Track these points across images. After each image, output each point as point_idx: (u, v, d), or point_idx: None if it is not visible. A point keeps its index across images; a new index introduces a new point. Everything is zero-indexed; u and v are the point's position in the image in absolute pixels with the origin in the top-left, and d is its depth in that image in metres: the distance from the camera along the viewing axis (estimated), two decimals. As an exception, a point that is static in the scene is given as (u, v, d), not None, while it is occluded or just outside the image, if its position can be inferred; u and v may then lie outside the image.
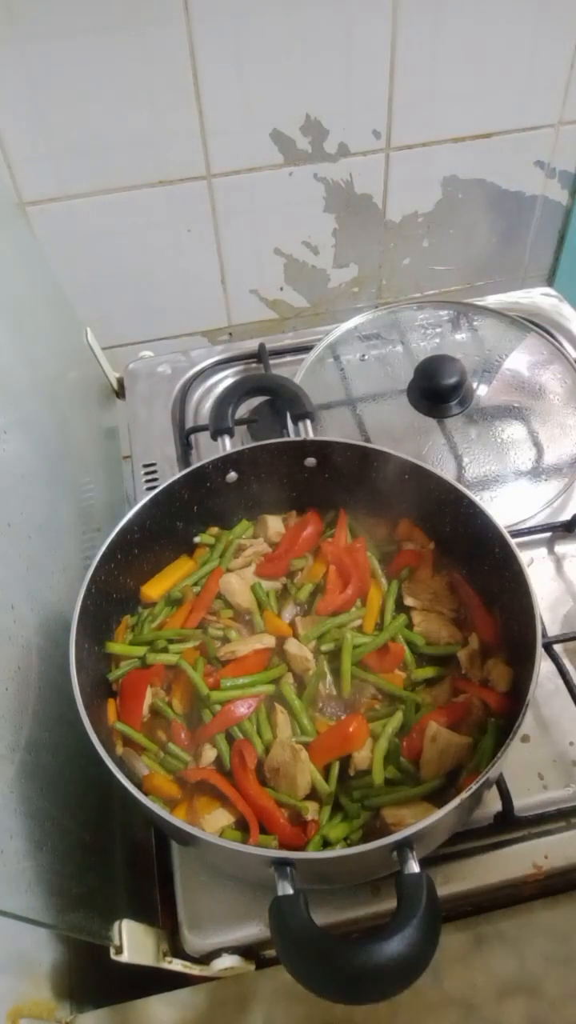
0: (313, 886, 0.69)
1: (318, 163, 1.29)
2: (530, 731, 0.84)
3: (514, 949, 0.74)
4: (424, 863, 0.61)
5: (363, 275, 1.48)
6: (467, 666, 0.80)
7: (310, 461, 0.89)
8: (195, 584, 0.87)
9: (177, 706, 0.79)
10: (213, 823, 0.71)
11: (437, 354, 1.06)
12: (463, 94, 1.26)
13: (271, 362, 1.23)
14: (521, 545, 0.79)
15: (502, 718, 0.74)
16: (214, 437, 0.93)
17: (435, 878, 0.73)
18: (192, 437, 1.14)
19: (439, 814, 0.61)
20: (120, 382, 1.29)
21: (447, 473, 0.83)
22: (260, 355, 1.25)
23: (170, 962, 0.73)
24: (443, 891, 0.75)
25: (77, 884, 0.73)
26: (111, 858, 0.87)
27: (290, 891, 0.59)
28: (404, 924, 0.56)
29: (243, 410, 1.07)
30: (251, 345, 1.27)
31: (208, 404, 1.20)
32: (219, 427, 0.93)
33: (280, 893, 0.59)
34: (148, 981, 0.74)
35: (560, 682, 0.84)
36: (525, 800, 0.79)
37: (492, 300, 1.30)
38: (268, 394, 1.06)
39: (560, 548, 0.99)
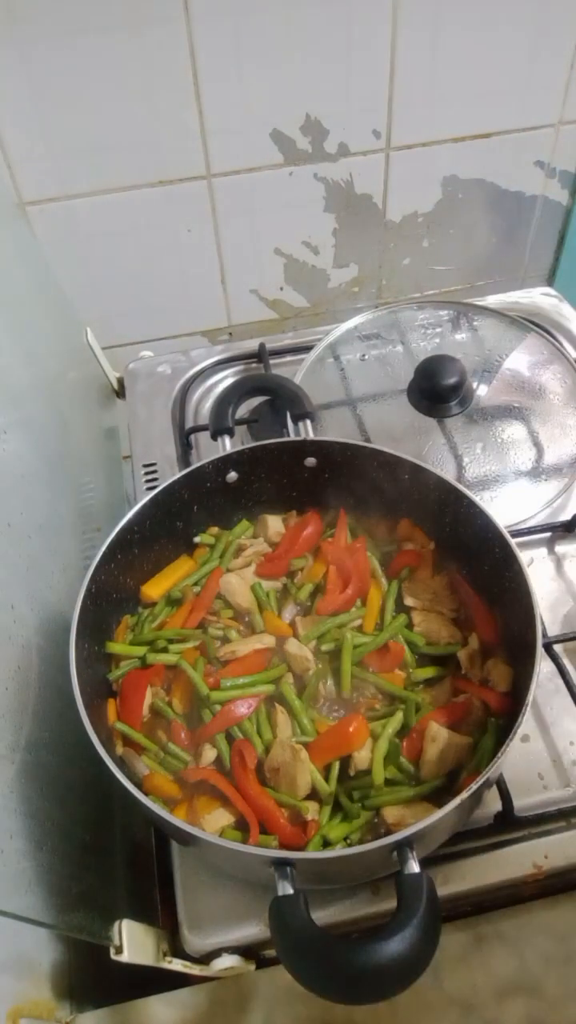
0: (313, 886, 0.69)
1: (318, 163, 1.29)
2: (530, 731, 0.84)
3: (514, 949, 0.74)
4: (424, 863, 0.61)
5: (363, 275, 1.48)
6: (467, 666, 0.80)
7: (310, 461, 0.89)
8: (195, 584, 0.87)
9: (177, 706, 0.79)
10: (213, 823, 0.71)
11: (437, 354, 1.06)
12: (463, 94, 1.26)
13: (271, 362, 1.23)
14: (521, 545, 0.79)
15: (502, 718, 0.74)
16: (214, 437, 0.93)
17: (435, 878, 0.73)
18: (192, 437, 1.14)
19: (439, 814, 0.61)
20: (120, 382, 1.29)
21: (447, 473, 0.83)
22: (260, 355, 1.25)
23: (170, 962, 0.73)
24: (443, 891, 0.75)
25: (77, 884, 0.73)
26: (111, 858, 0.87)
27: (290, 891, 0.59)
28: (404, 924, 0.56)
29: (243, 410, 1.07)
30: (251, 345, 1.27)
31: (208, 404, 1.20)
32: (219, 427, 0.93)
33: (280, 893, 0.59)
34: (148, 981, 0.74)
35: (560, 682, 0.84)
36: (525, 800, 0.79)
37: (492, 300, 1.30)
38: (268, 394, 1.06)
39: (560, 548, 0.99)
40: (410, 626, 0.83)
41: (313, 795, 0.73)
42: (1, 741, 0.65)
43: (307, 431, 0.92)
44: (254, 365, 1.26)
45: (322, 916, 0.73)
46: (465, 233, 1.46)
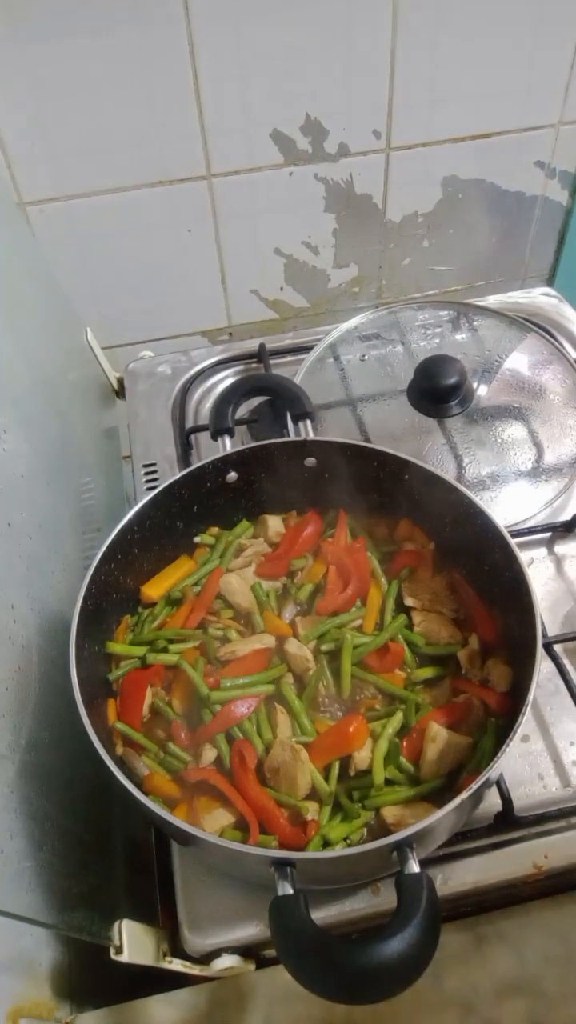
0: (313, 886, 0.69)
1: (318, 163, 1.29)
2: (530, 731, 0.84)
3: (514, 949, 0.74)
4: (424, 863, 0.61)
5: (363, 275, 1.48)
6: (467, 666, 0.80)
7: (310, 461, 0.89)
8: (195, 584, 0.87)
9: (177, 706, 0.79)
10: (213, 823, 0.71)
11: (437, 354, 1.06)
12: (463, 94, 1.26)
13: (271, 362, 1.23)
14: (521, 545, 0.79)
15: (502, 718, 0.74)
16: (214, 437, 0.93)
17: (435, 878, 0.74)
18: (192, 437, 1.14)
19: (439, 814, 0.61)
20: (120, 382, 1.29)
21: (447, 473, 0.83)
22: (260, 355, 1.25)
23: (170, 962, 0.73)
24: (443, 891, 0.75)
25: (77, 884, 0.73)
26: (111, 858, 0.87)
27: (290, 891, 0.59)
28: (404, 924, 0.56)
29: (243, 410, 1.07)
30: (251, 345, 1.27)
31: (208, 404, 1.20)
32: (219, 427, 0.93)
33: (280, 893, 0.59)
34: (148, 981, 0.74)
35: (560, 682, 0.84)
36: (525, 800, 0.79)
37: (492, 300, 1.30)
38: (268, 394, 1.06)
39: (560, 548, 0.99)
40: (410, 626, 0.83)
41: (313, 795, 0.73)
42: (1, 741, 0.65)
43: (307, 431, 0.92)
44: (254, 365, 1.26)
45: (322, 916, 0.73)
46: (465, 233, 1.46)
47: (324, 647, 0.82)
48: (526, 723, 0.67)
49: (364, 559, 0.87)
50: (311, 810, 0.71)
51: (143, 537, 0.83)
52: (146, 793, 0.67)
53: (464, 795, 0.61)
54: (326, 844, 0.69)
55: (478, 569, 0.83)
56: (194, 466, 0.86)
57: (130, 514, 0.81)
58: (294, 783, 0.72)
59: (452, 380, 1.03)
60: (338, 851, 0.68)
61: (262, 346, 1.25)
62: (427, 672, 0.81)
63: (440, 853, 0.76)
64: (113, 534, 0.79)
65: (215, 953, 0.73)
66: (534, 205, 1.45)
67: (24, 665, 0.72)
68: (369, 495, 0.89)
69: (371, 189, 1.35)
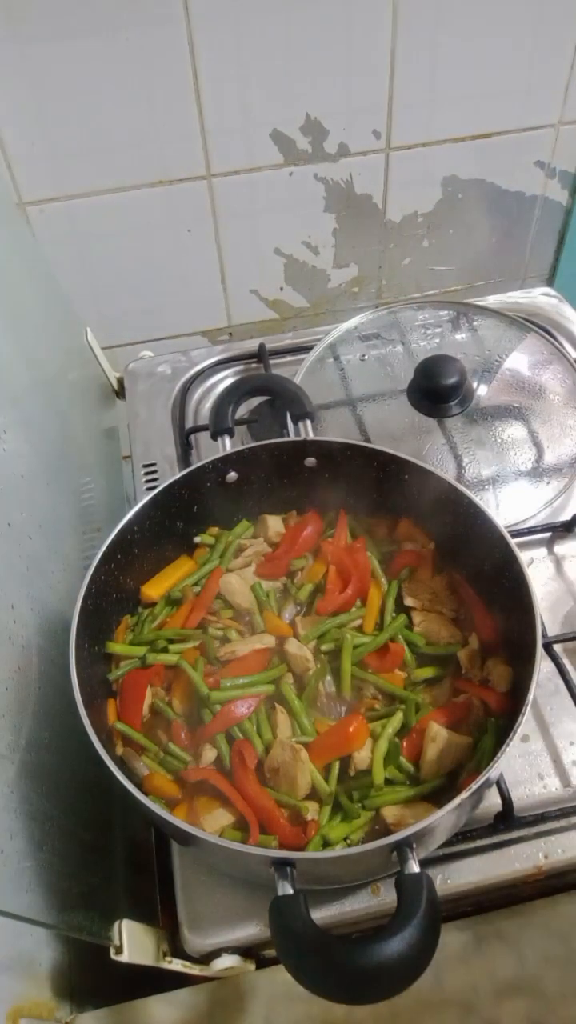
0: (313, 886, 0.69)
1: (318, 163, 1.29)
2: (530, 731, 0.84)
3: (514, 949, 0.74)
4: (424, 863, 0.61)
5: (363, 275, 1.48)
6: (467, 666, 0.80)
7: (310, 461, 0.89)
8: (195, 584, 0.87)
9: (177, 706, 0.79)
10: (213, 823, 0.71)
11: (437, 354, 1.06)
12: (463, 94, 1.26)
13: (271, 362, 1.23)
14: (521, 545, 0.79)
15: (502, 718, 0.74)
16: (214, 437, 0.93)
17: (435, 878, 0.74)
18: (192, 437, 1.14)
19: (439, 814, 0.61)
20: (120, 382, 1.29)
21: (447, 473, 0.83)
22: (260, 355, 1.25)
23: (170, 962, 0.73)
24: (443, 891, 0.75)
25: (77, 884, 0.73)
26: (111, 858, 0.87)
27: (290, 891, 0.59)
28: (404, 924, 0.56)
29: (243, 410, 1.07)
30: (251, 345, 1.27)
31: (208, 404, 1.20)
32: (219, 427, 0.93)
33: (280, 893, 0.59)
34: (148, 981, 0.74)
35: (560, 682, 0.84)
36: (525, 800, 0.79)
37: (492, 300, 1.30)
38: (268, 394, 1.06)
39: (560, 548, 0.99)
40: (410, 626, 0.83)
41: (313, 795, 0.73)
42: (1, 741, 0.65)
43: (307, 431, 0.92)
44: (254, 365, 1.26)
45: (322, 916, 0.73)
46: (465, 233, 1.46)
47: (324, 647, 0.82)
48: (526, 723, 0.67)
49: (364, 559, 0.87)
50: (311, 810, 0.71)
51: (143, 537, 0.83)
52: (146, 793, 0.67)
53: (464, 795, 0.61)
54: (326, 844, 0.69)
55: (478, 569, 0.83)
56: (194, 466, 0.86)
57: (130, 514, 0.81)
58: (294, 783, 0.72)
59: (452, 380, 1.03)
60: (338, 851, 0.68)
61: (262, 346, 1.25)
62: (427, 672, 0.81)
63: (440, 853, 0.76)
64: (113, 534, 0.79)
65: (215, 953, 0.73)
66: (534, 205, 1.45)
67: (24, 665, 0.72)
68: (369, 495, 0.89)
69: (371, 189, 1.35)
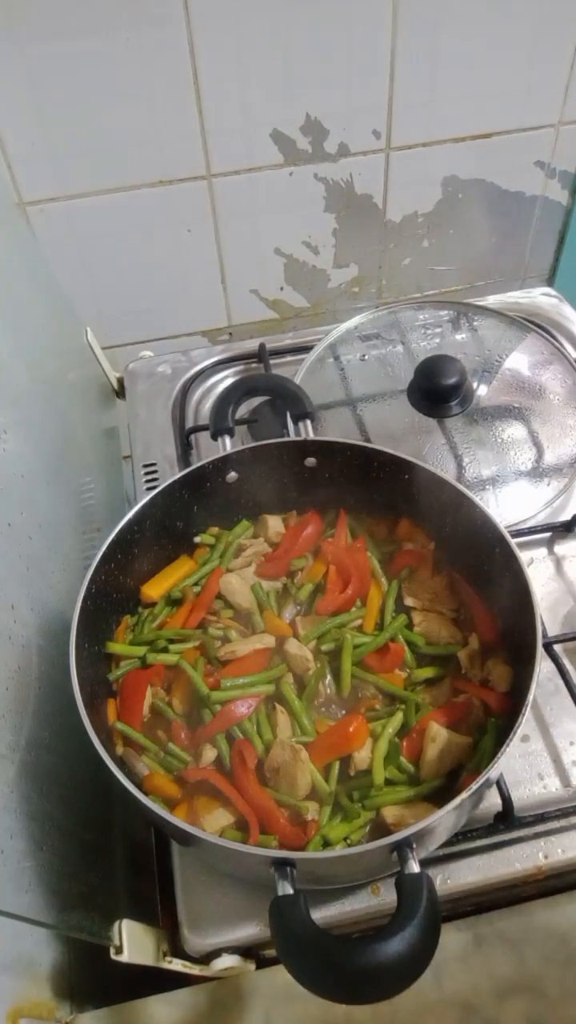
0: (313, 886, 0.69)
1: (318, 163, 1.29)
2: (530, 731, 0.84)
3: (514, 949, 0.74)
4: (424, 863, 0.61)
5: (363, 275, 1.48)
6: (467, 666, 0.80)
7: (310, 461, 0.89)
8: (195, 584, 0.87)
9: (177, 706, 0.79)
10: (213, 823, 0.71)
11: (437, 354, 1.06)
12: (463, 94, 1.26)
13: (271, 362, 1.23)
14: (521, 545, 0.79)
15: (502, 718, 0.74)
16: (214, 437, 0.93)
17: (435, 878, 0.74)
18: (192, 437, 1.14)
19: (439, 814, 0.61)
20: (120, 382, 1.29)
21: (447, 473, 0.83)
22: (260, 355, 1.25)
23: (170, 962, 0.73)
24: (443, 891, 0.75)
25: (77, 884, 0.73)
26: (111, 858, 0.87)
27: (290, 891, 0.59)
28: (404, 924, 0.56)
29: (243, 410, 1.07)
30: (251, 345, 1.27)
31: (208, 404, 1.20)
32: (219, 427, 0.93)
33: (280, 893, 0.59)
34: (148, 981, 0.74)
35: (560, 682, 0.84)
36: (525, 800, 0.79)
37: (492, 300, 1.30)
38: (268, 394, 1.06)
39: (560, 548, 0.99)
40: (410, 626, 0.83)
41: (313, 795, 0.73)
42: (1, 741, 0.65)
43: (307, 431, 0.92)
44: (254, 365, 1.26)
45: (322, 916, 0.73)
46: (465, 233, 1.46)
47: (324, 647, 0.82)
48: (526, 723, 0.67)
49: (364, 559, 0.87)
50: (311, 810, 0.71)
51: (143, 537, 0.83)
52: (146, 793, 0.67)
53: (464, 795, 0.61)
54: (326, 844, 0.69)
55: (478, 569, 0.83)
56: (194, 466, 0.86)
57: (130, 514, 0.81)
58: (294, 783, 0.72)
59: (452, 380, 1.03)
60: (338, 851, 0.68)
61: (262, 346, 1.25)
62: (427, 672, 0.81)
63: (440, 853, 0.76)
64: (113, 534, 0.79)
65: (215, 953, 0.73)
66: (534, 205, 1.45)
67: (24, 665, 0.72)
68: (369, 495, 0.89)
69: (371, 189, 1.35)
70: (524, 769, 0.82)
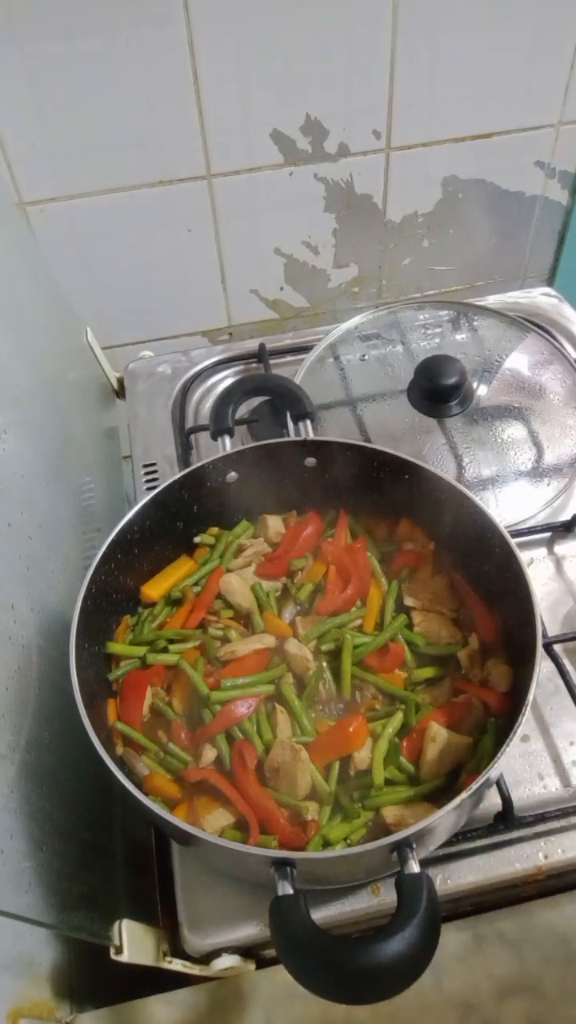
0: (313, 886, 0.69)
1: (318, 163, 1.29)
2: (530, 731, 0.84)
3: (514, 949, 0.74)
4: (424, 863, 0.61)
5: (363, 275, 1.48)
6: (467, 666, 0.80)
7: (310, 461, 0.89)
8: (195, 584, 0.87)
9: (177, 706, 0.79)
10: (213, 823, 0.71)
11: (437, 354, 1.06)
12: (463, 94, 1.26)
13: (271, 362, 1.23)
14: (521, 545, 0.79)
15: (502, 718, 0.74)
16: (214, 437, 0.93)
17: (435, 878, 0.74)
18: (192, 437, 1.14)
19: (439, 814, 0.61)
20: (120, 382, 1.29)
21: (447, 473, 0.83)
22: (260, 355, 1.25)
23: (170, 962, 0.73)
24: (443, 891, 0.75)
25: (77, 884, 0.73)
26: (111, 858, 0.87)
27: (290, 891, 0.59)
28: (404, 924, 0.56)
29: (243, 410, 1.07)
30: (251, 345, 1.27)
31: (208, 404, 1.20)
32: (219, 427, 0.93)
33: (280, 893, 0.59)
34: (148, 981, 0.74)
35: (560, 682, 0.84)
36: (525, 800, 0.79)
37: (492, 300, 1.30)
38: (268, 394, 1.06)
39: (560, 548, 0.99)
40: (410, 626, 0.83)
41: (313, 795, 0.73)
42: (1, 741, 0.65)
43: (307, 431, 0.92)
44: (254, 365, 1.26)
45: (322, 916, 0.73)
46: (465, 233, 1.46)
47: (324, 647, 0.82)
48: (526, 723, 0.67)
49: (364, 559, 0.87)
50: (311, 810, 0.71)
51: (143, 537, 0.83)
52: (146, 793, 0.67)
53: (464, 795, 0.61)
54: (326, 844, 0.69)
55: (478, 569, 0.83)
56: (194, 466, 0.86)
57: (130, 514, 0.81)
58: (294, 783, 0.72)
59: (452, 380, 1.03)
60: (338, 851, 0.68)
61: (262, 346, 1.25)
62: (427, 672, 0.81)
63: (440, 853, 0.76)
64: (113, 534, 0.79)
65: (215, 953, 0.73)
66: (534, 205, 1.45)
67: (24, 665, 0.72)
68: (369, 495, 0.89)
69: (371, 189, 1.35)
70: (524, 769, 0.82)
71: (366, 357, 1.16)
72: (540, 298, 1.31)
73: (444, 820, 0.62)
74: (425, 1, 1.14)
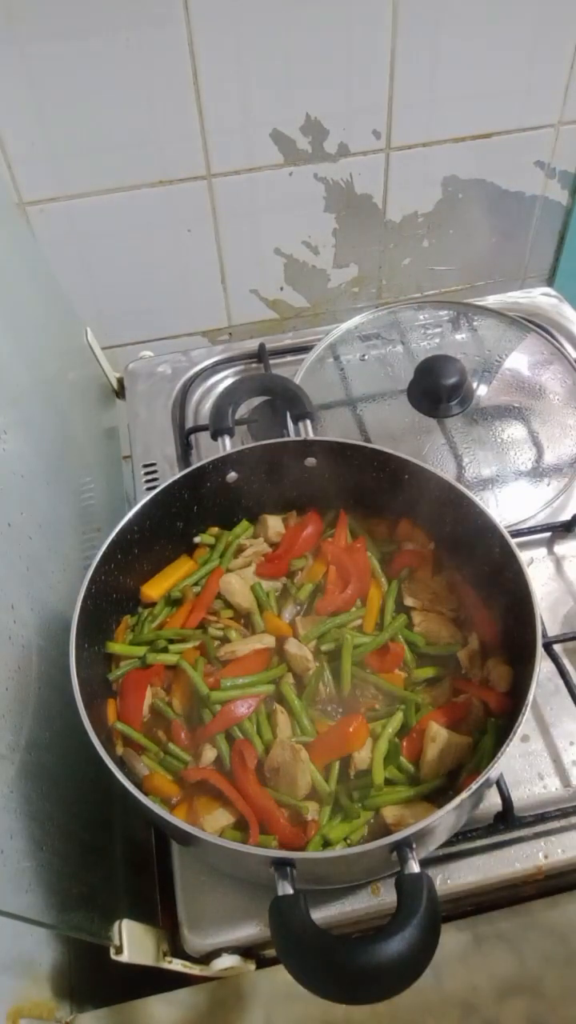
0: (313, 886, 0.69)
1: (318, 163, 1.29)
2: (530, 731, 0.84)
3: (514, 949, 0.74)
4: (424, 863, 0.61)
5: (363, 275, 1.48)
6: (467, 666, 0.80)
7: (310, 461, 0.89)
8: (195, 584, 0.87)
9: (177, 706, 0.79)
10: (213, 823, 0.71)
11: (437, 354, 1.06)
12: (463, 94, 1.26)
13: (271, 362, 1.23)
14: (521, 545, 0.79)
15: (502, 718, 0.74)
16: (214, 437, 0.93)
17: (435, 878, 0.74)
18: (192, 437, 1.14)
19: (439, 814, 0.61)
20: (120, 382, 1.29)
21: (447, 473, 0.83)
22: (260, 355, 1.25)
23: (170, 962, 0.73)
24: (443, 891, 0.75)
25: (77, 884, 0.73)
26: (111, 858, 0.87)
27: (290, 891, 0.59)
28: (404, 924, 0.56)
29: (243, 410, 1.07)
30: (251, 345, 1.27)
31: (208, 404, 1.20)
32: (219, 427, 0.93)
33: (280, 893, 0.59)
34: (148, 981, 0.74)
35: (560, 682, 0.84)
36: (525, 800, 0.79)
37: (492, 300, 1.30)
38: (268, 394, 1.06)
39: (560, 548, 0.99)
40: (410, 626, 0.83)
41: (313, 795, 0.73)
42: (1, 741, 0.65)
43: (307, 431, 0.92)
44: (254, 365, 1.26)
45: (322, 916, 0.73)
46: (465, 233, 1.46)
47: (324, 647, 0.82)
48: (526, 723, 0.67)
49: (364, 559, 0.87)
50: (311, 810, 0.71)
51: (143, 537, 0.83)
52: (146, 793, 0.67)
53: (464, 795, 0.61)
54: (326, 844, 0.69)
55: (478, 569, 0.83)
56: (194, 466, 0.86)
57: (130, 514, 0.81)
58: (294, 783, 0.72)
59: (452, 380, 1.03)
60: (338, 851, 0.68)
61: (262, 346, 1.25)
62: (427, 672, 0.81)
63: (440, 853, 0.76)
64: (113, 534, 0.79)
65: (215, 953, 0.73)
66: (534, 205, 1.45)
67: (24, 665, 0.72)
68: (369, 495, 0.89)
69: (371, 189, 1.35)
70: (524, 769, 0.82)
71: (366, 357, 1.16)
72: (540, 298, 1.31)
73: (444, 820, 0.62)
74: (425, 1, 1.14)
